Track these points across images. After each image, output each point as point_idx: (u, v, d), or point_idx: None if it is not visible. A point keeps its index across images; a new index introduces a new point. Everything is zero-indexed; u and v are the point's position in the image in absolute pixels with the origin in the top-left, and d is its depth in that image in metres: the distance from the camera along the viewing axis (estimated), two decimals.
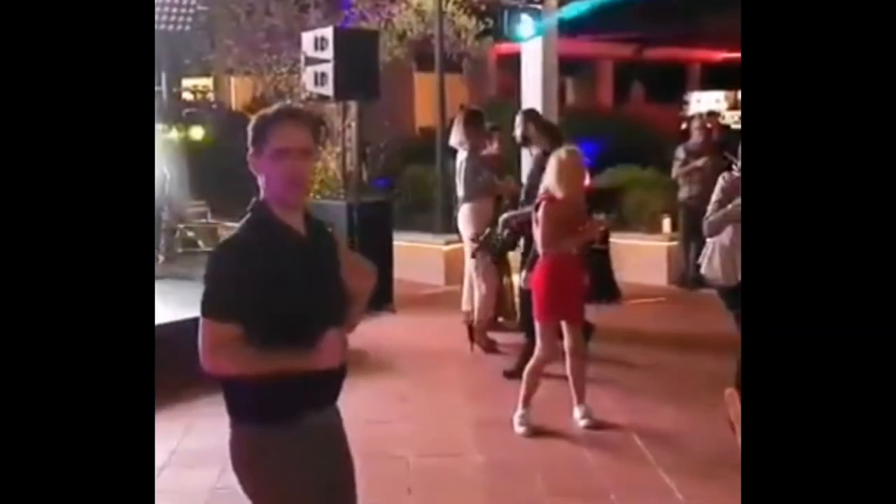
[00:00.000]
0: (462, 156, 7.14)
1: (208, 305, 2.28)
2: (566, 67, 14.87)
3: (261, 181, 2.40)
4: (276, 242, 2.36)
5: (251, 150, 2.38)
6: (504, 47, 16.41)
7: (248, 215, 2.40)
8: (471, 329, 7.15)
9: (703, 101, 18.19)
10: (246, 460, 2.39)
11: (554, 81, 10.35)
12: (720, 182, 5.13)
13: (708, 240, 5.21)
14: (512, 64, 12.08)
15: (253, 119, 2.42)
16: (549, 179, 5.12)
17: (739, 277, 4.44)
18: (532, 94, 10.10)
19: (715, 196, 5.08)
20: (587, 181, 5.40)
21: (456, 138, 7.19)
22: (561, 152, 5.16)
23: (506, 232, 6.70)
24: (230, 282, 2.27)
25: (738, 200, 4.72)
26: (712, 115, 12.33)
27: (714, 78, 22.16)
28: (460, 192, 7.12)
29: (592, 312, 6.05)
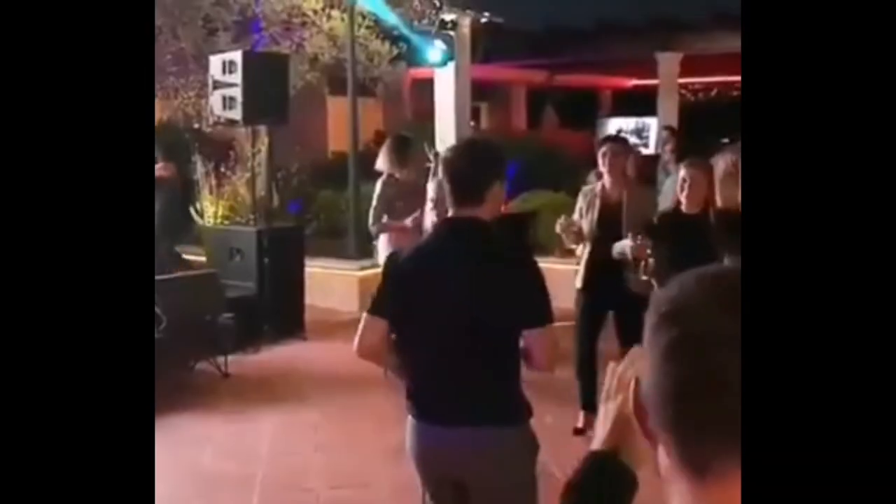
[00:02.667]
0: (380, 182, 7.01)
1: None
2: (481, 93, 15.08)
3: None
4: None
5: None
6: (419, 72, 16.54)
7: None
8: None
9: (612, 127, 18.64)
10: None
11: (467, 106, 10.50)
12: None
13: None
14: (427, 88, 12.18)
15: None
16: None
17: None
18: (446, 119, 10.22)
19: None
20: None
21: (381, 163, 6.99)
22: None
23: None
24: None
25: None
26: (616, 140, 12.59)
27: (624, 104, 22.77)
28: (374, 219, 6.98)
29: None
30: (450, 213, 2.87)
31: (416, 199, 6.80)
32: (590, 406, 5.45)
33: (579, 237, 5.54)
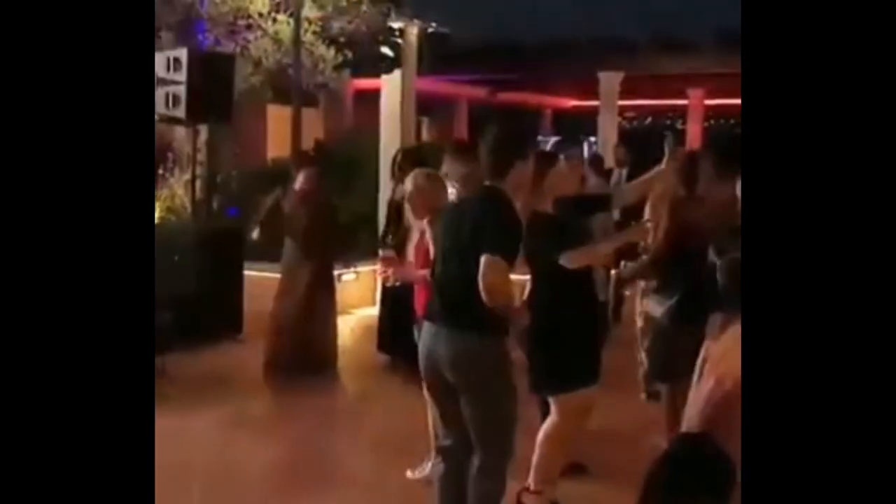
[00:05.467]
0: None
1: None
2: (423, 107, 15.21)
3: None
4: None
5: None
6: (362, 82, 16.58)
7: None
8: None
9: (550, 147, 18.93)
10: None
11: (412, 117, 10.59)
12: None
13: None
14: (370, 99, 12.26)
15: None
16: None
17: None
18: (391, 130, 10.29)
19: None
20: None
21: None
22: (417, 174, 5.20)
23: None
24: None
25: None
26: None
27: (564, 124, 23.17)
28: None
29: None
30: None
31: None
32: None
33: None
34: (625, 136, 17.36)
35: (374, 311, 8.05)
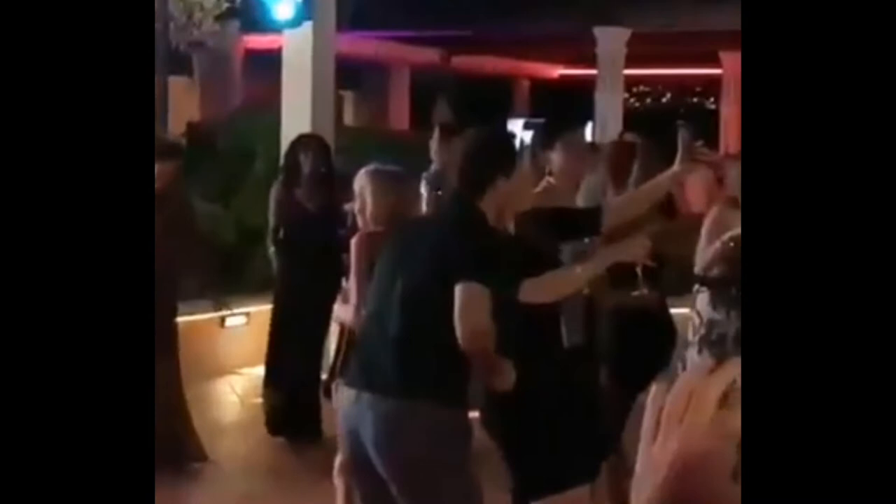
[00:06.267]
0: None
1: None
2: (346, 76, 15.15)
3: None
4: None
5: None
6: (256, 40, 16.52)
7: None
8: None
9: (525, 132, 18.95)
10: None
11: (329, 89, 10.54)
12: None
13: None
14: (267, 64, 12.19)
15: None
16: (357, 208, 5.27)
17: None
18: (298, 107, 10.24)
19: None
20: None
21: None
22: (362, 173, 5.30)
23: None
24: None
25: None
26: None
27: (546, 100, 23.22)
28: None
29: None
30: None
31: None
32: None
33: None
34: (633, 120, 17.35)
35: None
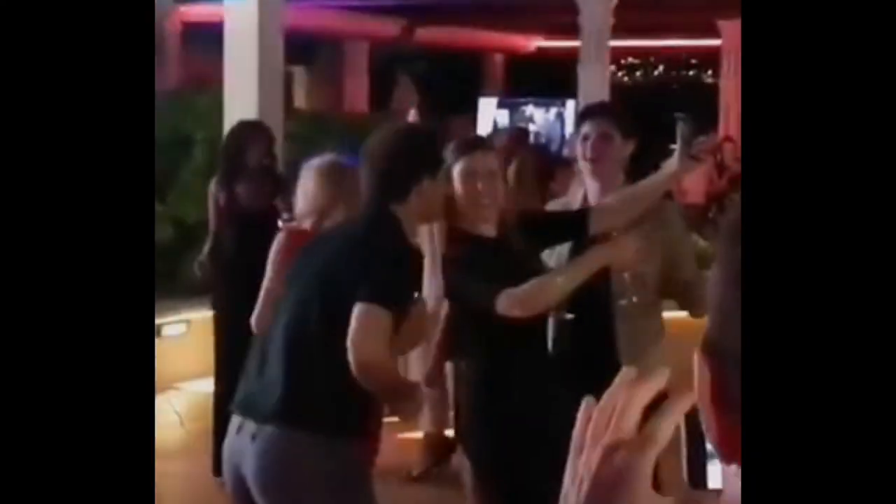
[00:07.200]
0: None
1: None
2: (297, 50, 15.11)
3: None
4: None
5: None
6: (195, 11, 16.48)
7: None
8: None
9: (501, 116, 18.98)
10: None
11: (278, 67, 10.53)
12: None
13: None
14: (207, 39, 12.16)
15: None
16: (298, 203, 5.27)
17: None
18: (242, 88, 10.20)
19: None
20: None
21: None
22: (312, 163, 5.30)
23: None
24: None
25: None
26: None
27: (522, 76, 23.29)
28: None
29: None
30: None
31: None
32: None
33: None
34: (622, 96, 17.44)
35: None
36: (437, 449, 7.24)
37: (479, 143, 4.71)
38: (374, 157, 4.09)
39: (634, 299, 4.58)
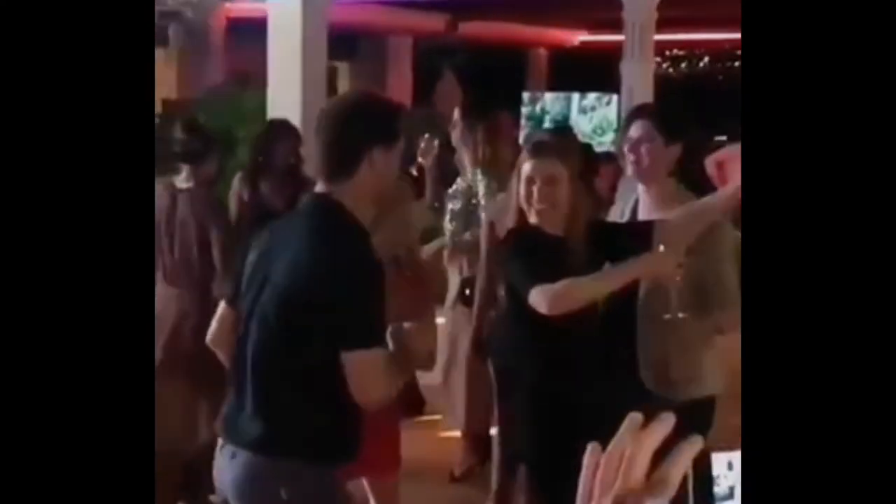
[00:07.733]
0: None
1: None
2: (341, 45, 15.11)
3: None
4: None
5: None
6: (239, 8, 16.52)
7: None
8: None
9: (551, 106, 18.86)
10: None
11: (322, 62, 10.53)
12: None
13: None
14: (251, 34, 12.17)
15: None
16: None
17: None
18: (286, 83, 10.21)
19: None
20: None
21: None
22: None
23: None
24: None
25: None
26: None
27: (566, 70, 23.18)
28: None
29: None
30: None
31: None
32: None
33: None
34: (666, 88, 17.26)
35: None
36: (480, 448, 7.23)
37: (544, 149, 4.56)
38: (321, 128, 3.75)
39: (680, 315, 4.41)
